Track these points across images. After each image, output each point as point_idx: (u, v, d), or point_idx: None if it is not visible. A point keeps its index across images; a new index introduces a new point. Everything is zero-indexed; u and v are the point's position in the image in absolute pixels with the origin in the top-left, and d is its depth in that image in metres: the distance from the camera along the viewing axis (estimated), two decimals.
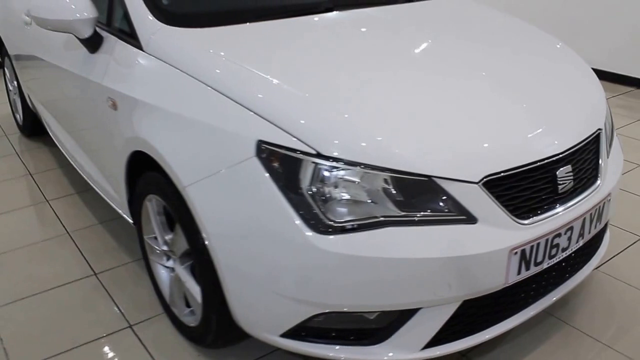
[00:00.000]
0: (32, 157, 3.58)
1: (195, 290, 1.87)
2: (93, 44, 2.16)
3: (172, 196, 1.80)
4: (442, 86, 1.74)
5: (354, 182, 1.51)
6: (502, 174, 1.57)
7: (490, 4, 2.57)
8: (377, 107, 1.62)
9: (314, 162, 1.50)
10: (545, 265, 1.69)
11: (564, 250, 1.73)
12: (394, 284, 1.51)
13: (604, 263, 2.40)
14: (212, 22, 1.97)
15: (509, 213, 1.58)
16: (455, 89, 1.74)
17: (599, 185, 1.81)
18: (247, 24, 2.01)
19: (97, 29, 2.15)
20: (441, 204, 1.53)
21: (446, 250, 1.51)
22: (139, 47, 1.96)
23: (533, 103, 1.76)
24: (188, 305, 2.02)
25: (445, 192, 1.53)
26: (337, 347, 1.63)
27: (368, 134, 1.54)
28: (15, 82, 3.74)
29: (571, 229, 1.71)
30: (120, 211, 2.38)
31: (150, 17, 1.97)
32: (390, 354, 1.61)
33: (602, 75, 4.46)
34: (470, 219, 1.54)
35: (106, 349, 2.04)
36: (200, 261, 1.74)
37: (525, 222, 1.60)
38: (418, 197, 1.53)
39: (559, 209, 1.68)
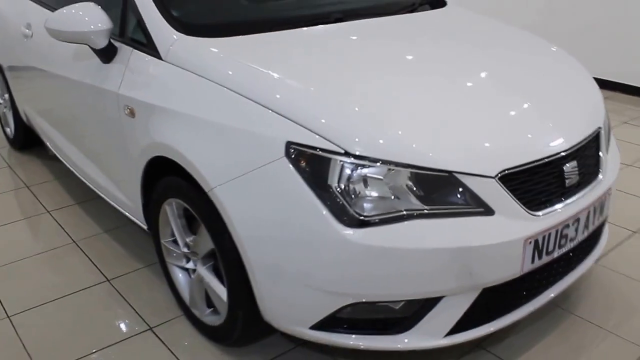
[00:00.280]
0: (26, 170, 3.58)
1: (219, 289, 1.93)
2: (107, 54, 2.21)
3: (196, 198, 1.86)
4: (456, 88, 1.85)
5: (379, 178, 1.60)
6: (516, 168, 1.68)
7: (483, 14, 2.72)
8: (399, 108, 1.72)
9: (341, 161, 1.59)
10: (555, 255, 1.80)
11: (571, 240, 1.84)
12: (419, 273, 1.60)
13: (602, 257, 2.54)
14: (228, 32, 2.05)
15: (523, 205, 1.69)
16: (469, 90, 1.85)
17: (600, 179, 1.94)
18: (262, 34, 2.08)
19: (111, 39, 2.20)
20: (461, 197, 1.63)
21: (468, 240, 1.61)
22: (158, 57, 2.02)
23: (540, 103, 1.88)
24: (209, 305, 2.08)
25: (464, 186, 1.63)
26: (365, 336, 1.71)
27: (392, 132, 1.63)
28: (7, 95, 3.74)
29: (578, 220, 1.83)
30: (132, 218, 2.42)
31: (169, 28, 2.03)
32: (416, 342, 1.70)
33: None
34: (488, 211, 1.65)
35: (130, 351, 2.07)
36: (227, 260, 1.81)
37: (538, 213, 1.72)
38: (439, 191, 1.63)
39: (567, 201, 1.80)
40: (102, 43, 2.16)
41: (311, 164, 1.61)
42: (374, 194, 1.60)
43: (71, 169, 2.95)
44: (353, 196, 1.59)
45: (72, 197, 3.20)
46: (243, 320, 1.86)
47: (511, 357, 2.00)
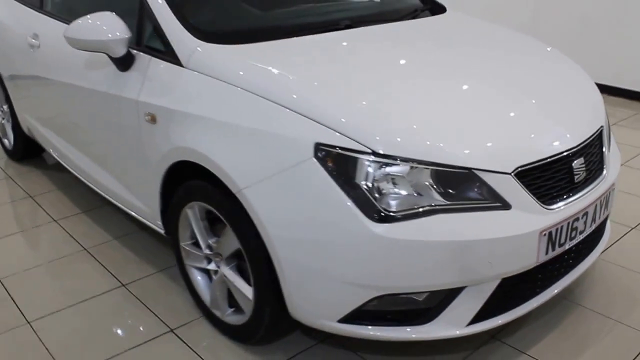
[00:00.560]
0: (28, 180, 3.58)
1: (244, 288, 1.99)
2: (125, 62, 2.26)
3: (222, 201, 1.92)
4: (470, 90, 1.95)
5: (403, 176, 1.69)
6: (530, 165, 1.78)
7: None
8: (420, 109, 1.81)
9: (368, 160, 1.67)
10: (567, 246, 1.90)
11: (581, 232, 1.94)
12: (443, 264, 1.68)
13: (603, 252, 2.65)
14: (246, 40, 2.12)
15: (537, 200, 1.79)
16: (482, 92, 1.96)
17: (605, 175, 2.06)
18: (278, 40, 2.16)
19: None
20: (480, 192, 1.72)
21: (488, 232, 1.70)
22: (178, 64, 2.08)
23: (548, 104, 2.00)
24: (231, 305, 2.13)
25: (483, 182, 1.72)
26: (390, 328, 1.79)
27: (415, 132, 1.72)
28: (5, 106, 3.75)
29: (586, 213, 1.94)
30: (148, 223, 2.46)
31: (189, 36, 2.09)
32: (440, 331, 1.78)
33: None
34: (505, 206, 1.74)
35: (155, 352, 2.12)
36: (254, 259, 1.87)
37: (551, 207, 1.82)
38: (459, 187, 1.72)
39: (576, 196, 1.90)
40: (120, 51, 2.21)
41: (339, 164, 1.68)
42: (399, 190, 1.68)
43: (79, 177, 2.97)
44: (379, 193, 1.67)
45: (77, 206, 3.22)
46: (270, 316, 1.92)
47: (525, 348, 2.09)
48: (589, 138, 1.98)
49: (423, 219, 1.66)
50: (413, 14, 2.67)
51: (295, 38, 2.19)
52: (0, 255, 2.77)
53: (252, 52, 2.05)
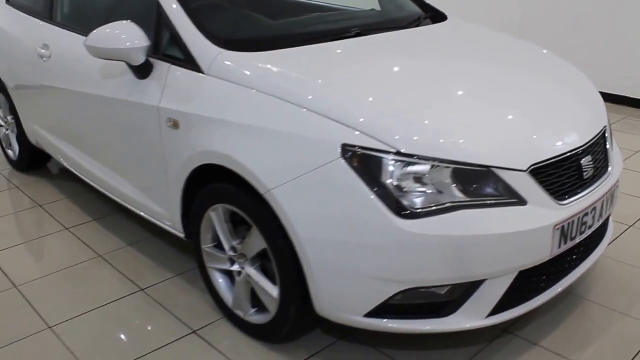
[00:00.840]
0: (35, 190, 3.61)
1: (269, 287, 2.05)
2: (144, 70, 2.32)
3: (247, 202, 1.99)
4: (485, 93, 2.05)
5: (425, 174, 1.77)
6: (543, 163, 1.87)
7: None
8: (440, 111, 1.90)
9: (393, 159, 1.75)
10: (577, 240, 1.99)
11: (589, 227, 2.04)
12: (465, 258, 1.76)
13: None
14: (265, 47, 2.19)
15: (550, 195, 1.89)
16: (495, 95, 2.06)
17: (610, 172, 2.16)
18: (294, 48, 2.24)
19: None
20: (497, 189, 1.81)
21: (506, 227, 1.78)
22: (199, 71, 2.15)
23: (556, 104, 2.11)
24: (253, 305, 2.19)
25: (500, 179, 1.81)
26: (414, 320, 1.87)
27: (436, 132, 1.81)
28: (9, 117, 3.77)
29: (594, 209, 2.04)
30: (167, 227, 2.51)
31: (209, 44, 2.17)
32: (461, 323, 1.86)
33: None
34: (521, 201, 1.83)
35: (180, 352, 2.17)
36: (280, 258, 1.94)
37: (563, 202, 1.91)
38: (478, 184, 1.81)
39: (585, 192, 2.00)
40: (140, 59, 2.27)
41: (365, 163, 1.76)
42: (422, 188, 1.77)
43: (92, 184, 3.01)
44: (403, 191, 1.75)
45: (88, 214, 3.26)
46: (295, 314, 1.99)
47: (537, 340, 2.18)
48: (595, 137, 2.09)
49: (446, 215, 1.75)
50: (416, 22, 2.77)
51: (310, 45, 2.27)
52: (16, 263, 2.81)
53: (272, 58, 2.13)
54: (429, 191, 1.77)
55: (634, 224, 3.03)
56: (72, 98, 2.87)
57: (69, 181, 3.70)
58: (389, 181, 1.75)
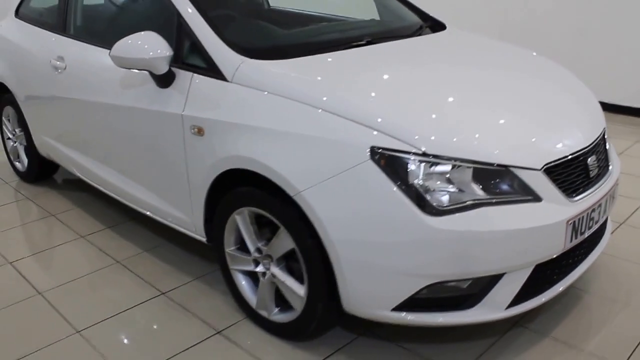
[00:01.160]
0: (46, 200, 3.66)
1: (296, 286, 2.14)
2: (166, 79, 2.41)
3: (275, 204, 2.08)
4: (498, 98, 2.18)
5: (447, 173, 1.88)
6: (555, 162, 1.99)
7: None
8: (460, 113, 2.02)
9: (419, 160, 1.86)
10: (586, 235, 2.11)
11: (596, 222, 2.17)
12: (488, 252, 1.87)
13: None
14: (286, 55, 2.30)
15: (562, 193, 2.01)
16: (507, 100, 2.18)
17: (611, 171, 2.30)
18: (312, 55, 2.34)
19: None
20: (514, 187, 1.93)
21: (525, 223, 1.89)
22: (222, 79, 2.24)
23: (562, 108, 2.24)
24: (277, 305, 2.27)
25: (517, 178, 1.92)
26: (440, 313, 1.97)
27: (458, 134, 1.92)
28: (18, 130, 3.82)
29: (600, 205, 2.16)
30: (188, 232, 2.59)
31: (233, 53, 2.26)
32: (483, 315, 1.97)
33: None
34: (537, 198, 1.95)
35: (207, 352, 2.24)
36: (309, 258, 2.03)
37: (574, 199, 2.03)
38: (497, 182, 1.92)
39: (592, 189, 2.13)
40: (163, 69, 2.36)
41: (393, 164, 1.86)
42: (446, 187, 1.88)
43: (108, 192, 3.07)
44: (429, 190, 1.86)
45: (102, 222, 3.32)
46: (322, 311, 2.08)
47: (546, 332, 2.29)
48: (597, 138, 2.22)
49: (469, 212, 1.85)
50: (419, 32, 2.89)
51: (326, 53, 2.38)
52: (37, 271, 2.86)
53: (292, 65, 2.23)
54: (452, 190, 1.88)
55: (624, 221, 3.17)
56: (89, 108, 2.94)
57: (77, 191, 3.76)
58: (416, 181, 1.85)
